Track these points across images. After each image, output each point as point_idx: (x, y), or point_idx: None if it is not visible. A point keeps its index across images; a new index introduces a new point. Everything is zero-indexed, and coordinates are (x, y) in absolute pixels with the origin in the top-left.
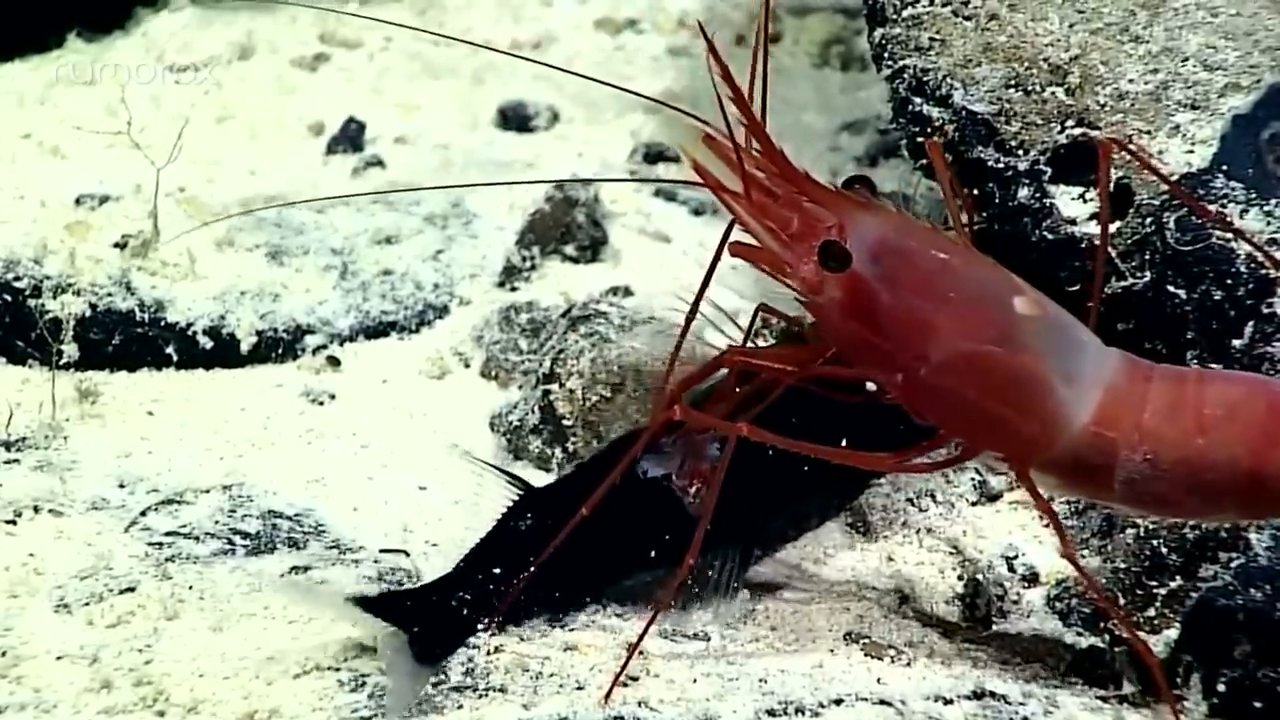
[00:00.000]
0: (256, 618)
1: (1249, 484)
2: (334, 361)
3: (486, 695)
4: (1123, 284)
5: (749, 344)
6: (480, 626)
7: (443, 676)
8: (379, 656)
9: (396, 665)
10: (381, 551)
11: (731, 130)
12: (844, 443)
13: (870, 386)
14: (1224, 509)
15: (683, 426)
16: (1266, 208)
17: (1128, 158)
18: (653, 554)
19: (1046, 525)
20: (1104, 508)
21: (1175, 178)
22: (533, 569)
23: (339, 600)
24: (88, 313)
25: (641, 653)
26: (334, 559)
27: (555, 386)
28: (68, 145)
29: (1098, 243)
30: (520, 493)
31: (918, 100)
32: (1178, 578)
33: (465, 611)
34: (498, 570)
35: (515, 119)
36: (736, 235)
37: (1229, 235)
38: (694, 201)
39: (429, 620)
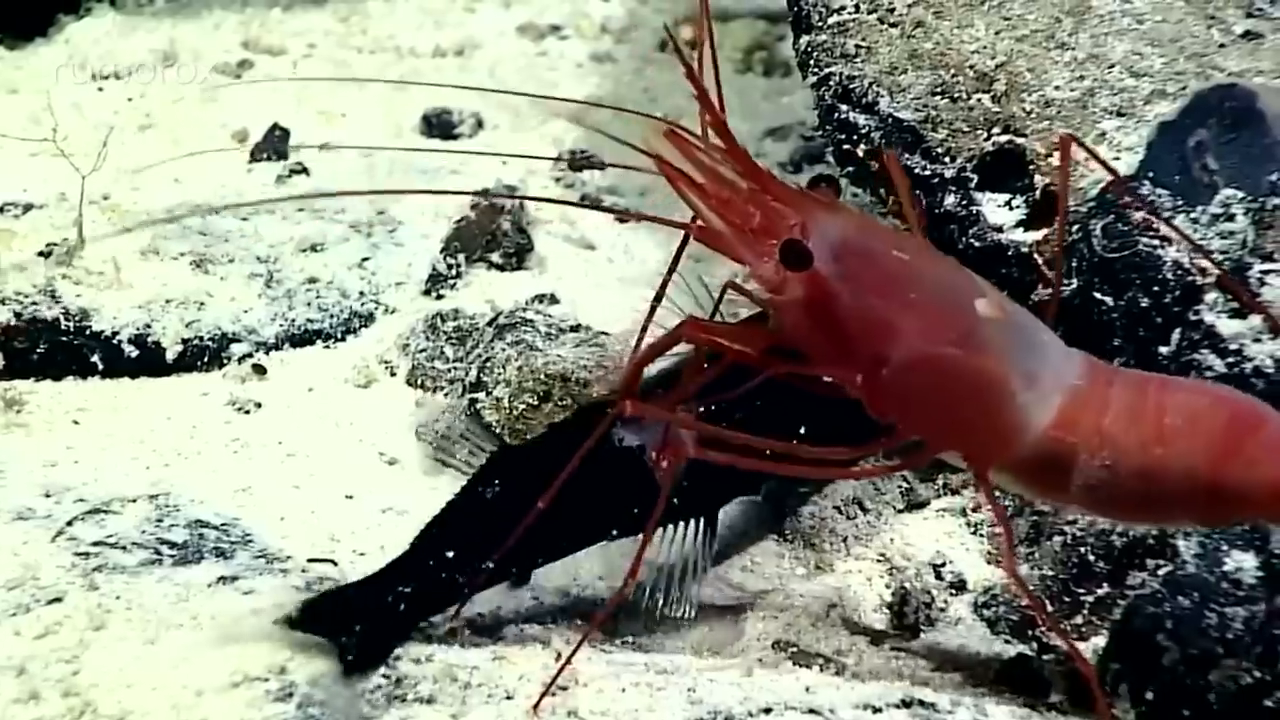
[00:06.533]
0: (184, 628)
1: (1206, 495)
2: (260, 370)
3: (414, 705)
4: (1050, 290)
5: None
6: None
7: (370, 685)
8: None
9: (324, 683)
10: (309, 561)
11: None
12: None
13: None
14: (1178, 516)
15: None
16: (1193, 215)
17: (1055, 164)
18: (619, 524)
19: (975, 534)
20: (1046, 514)
21: (1101, 185)
22: (489, 563)
23: (266, 626)
24: (12, 321)
25: (571, 663)
26: (262, 568)
27: (482, 395)
28: None
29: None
30: (493, 451)
31: (844, 107)
32: (1105, 585)
33: (418, 591)
34: (461, 539)
35: (439, 126)
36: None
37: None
38: (621, 206)
39: (362, 624)
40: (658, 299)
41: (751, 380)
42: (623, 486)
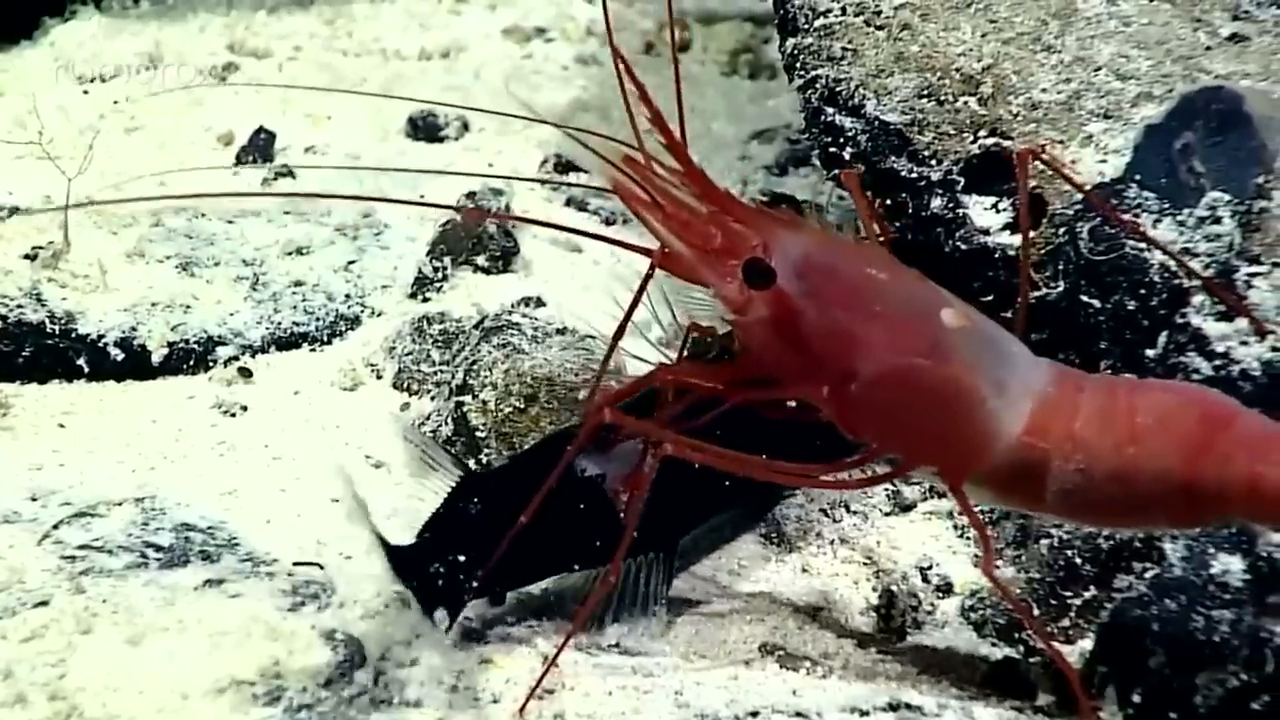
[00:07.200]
0: (170, 631)
1: (1181, 494)
2: (246, 373)
3: (401, 709)
4: (1037, 294)
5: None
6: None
7: (356, 689)
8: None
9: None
10: (295, 564)
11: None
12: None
13: (790, 404)
14: (1155, 519)
15: (614, 430)
16: (1179, 217)
17: (1043, 167)
18: (580, 555)
19: (962, 537)
20: (1032, 517)
21: (1089, 188)
22: (489, 564)
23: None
24: None
25: (557, 666)
26: (248, 572)
27: (468, 398)
28: None
29: (1013, 253)
30: (461, 475)
31: (830, 110)
32: (1092, 588)
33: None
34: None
35: (425, 129)
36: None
37: (1142, 245)
38: (605, 211)
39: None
40: (623, 326)
41: (719, 410)
42: (583, 517)
